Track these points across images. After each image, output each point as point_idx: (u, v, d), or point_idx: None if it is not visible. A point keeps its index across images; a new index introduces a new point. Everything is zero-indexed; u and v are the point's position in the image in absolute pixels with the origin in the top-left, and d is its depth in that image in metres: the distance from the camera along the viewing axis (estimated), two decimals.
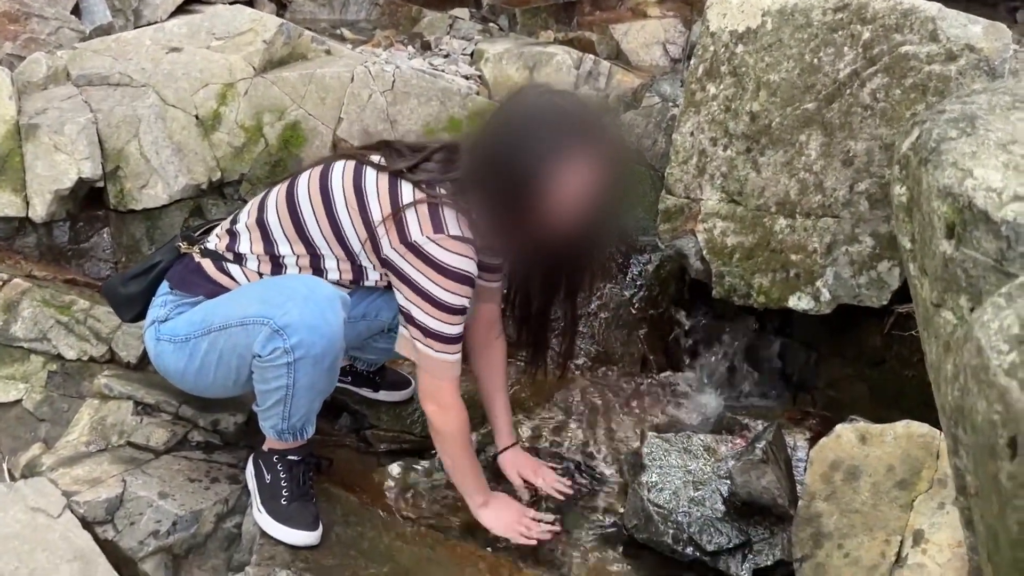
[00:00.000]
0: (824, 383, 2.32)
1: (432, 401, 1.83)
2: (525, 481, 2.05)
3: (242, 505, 1.93)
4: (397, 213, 1.72)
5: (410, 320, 1.76)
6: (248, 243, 1.85)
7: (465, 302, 1.75)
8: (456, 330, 1.77)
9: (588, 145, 1.66)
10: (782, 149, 2.10)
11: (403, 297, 1.76)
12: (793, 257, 2.10)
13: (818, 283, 2.08)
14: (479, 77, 3.39)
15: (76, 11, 3.09)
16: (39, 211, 2.37)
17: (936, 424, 1.69)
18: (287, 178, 1.89)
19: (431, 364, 1.79)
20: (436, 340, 1.76)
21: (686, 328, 2.53)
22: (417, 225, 1.71)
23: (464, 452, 1.90)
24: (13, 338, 2.22)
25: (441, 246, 1.70)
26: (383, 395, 2.28)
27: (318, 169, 1.84)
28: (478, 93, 2.96)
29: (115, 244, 2.52)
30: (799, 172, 2.08)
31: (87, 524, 1.82)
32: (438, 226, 1.71)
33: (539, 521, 1.95)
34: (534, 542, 1.90)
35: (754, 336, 2.45)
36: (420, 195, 1.72)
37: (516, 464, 2.06)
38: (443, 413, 1.83)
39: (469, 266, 1.73)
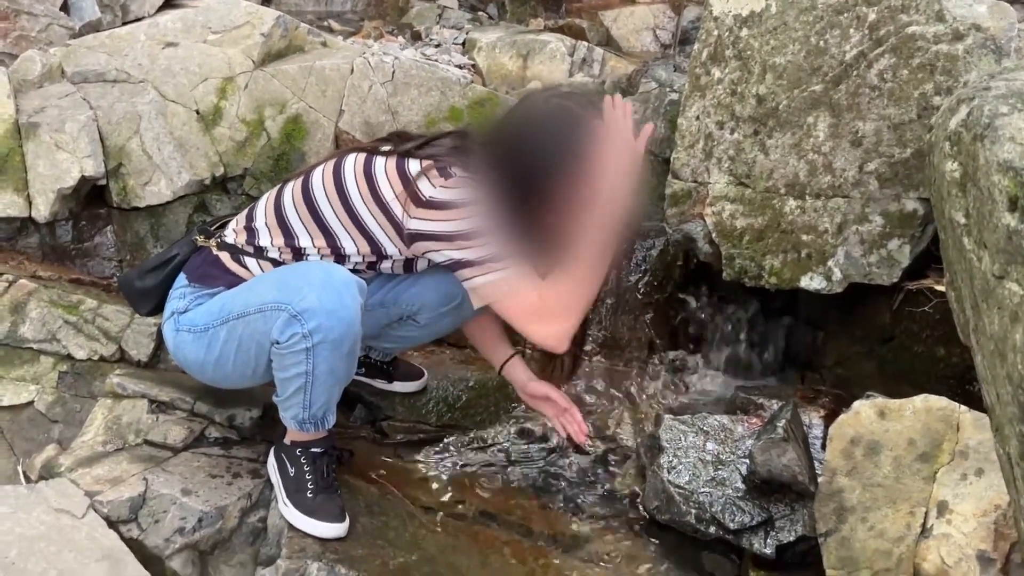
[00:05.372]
0: (832, 361, 2.35)
1: (535, 320, 1.73)
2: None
3: (265, 499, 1.92)
4: (409, 186, 1.74)
5: (460, 265, 1.73)
6: (269, 238, 1.85)
7: (490, 221, 1.72)
8: (498, 247, 1.72)
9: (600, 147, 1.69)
10: (790, 131, 2.12)
11: (442, 254, 1.74)
12: (804, 238, 2.12)
13: (829, 263, 2.10)
14: (472, 66, 3.39)
15: (65, 7, 3.05)
16: (42, 211, 2.34)
17: (951, 396, 1.74)
18: (301, 174, 1.89)
19: (507, 287, 1.73)
20: (493, 262, 1.72)
21: (692, 311, 2.55)
22: (428, 183, 1.73)
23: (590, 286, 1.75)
24: (22, 339, 2.20)
25: (451, 187, 1.72)
26: (397, 386, 2.28)
27: (331, 162, 1.85)
28: (472, 82, 2.96)
29: (119, 242, 2.49)
30: (808, 154, 2.10)
31: (111, 523, 1.81)
32: (445, 174, 1.73)
33: None
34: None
35: (760, 317, 2.47)
36: (427, 162, 1.75)
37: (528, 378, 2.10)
38: (550, 319, 1.73)
39: (480, 194, 1.73)
